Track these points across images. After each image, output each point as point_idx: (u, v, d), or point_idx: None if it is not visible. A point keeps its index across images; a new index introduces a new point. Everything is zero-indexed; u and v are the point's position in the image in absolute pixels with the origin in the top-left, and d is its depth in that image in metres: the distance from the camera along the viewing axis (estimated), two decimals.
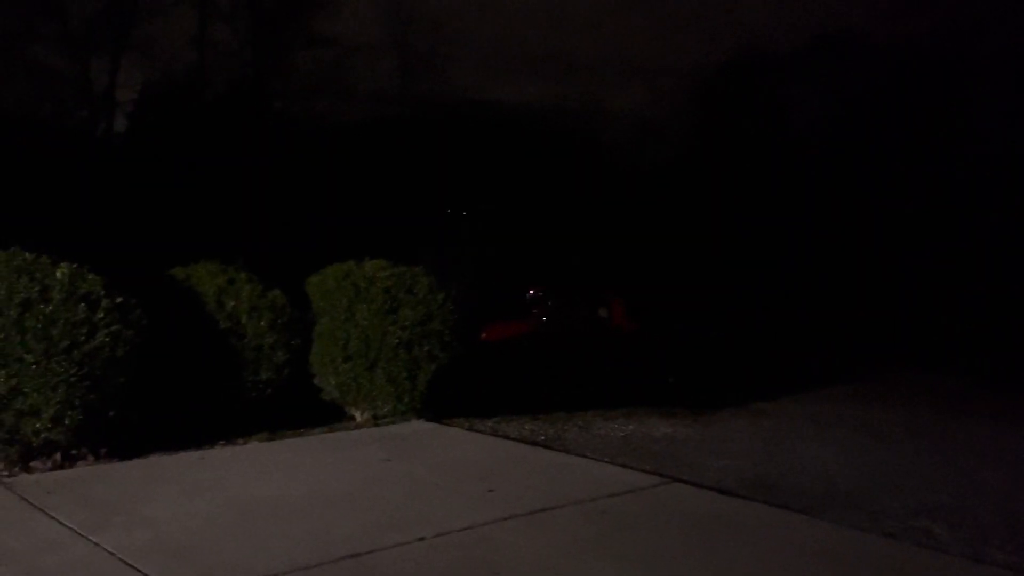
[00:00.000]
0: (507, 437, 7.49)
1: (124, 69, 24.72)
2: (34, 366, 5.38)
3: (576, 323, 18.23)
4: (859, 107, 28.18)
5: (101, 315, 5.71)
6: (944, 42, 27.46)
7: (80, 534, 4.49)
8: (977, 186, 24.82)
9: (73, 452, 5.76)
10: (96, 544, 4.36)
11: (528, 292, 18.81)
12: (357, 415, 7.71)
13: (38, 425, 5.44)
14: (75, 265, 5.91)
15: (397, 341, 7.20)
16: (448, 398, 7.94)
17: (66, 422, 5.53)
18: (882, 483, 6.54)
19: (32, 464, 5.62)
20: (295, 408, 7.50)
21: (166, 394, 6.39)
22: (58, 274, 5.73)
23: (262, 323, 6.83)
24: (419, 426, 7.50)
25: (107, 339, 5.67)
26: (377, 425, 7.51)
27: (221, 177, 14.64)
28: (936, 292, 22.83)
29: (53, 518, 4.73)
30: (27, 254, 5.82)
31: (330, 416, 7.73)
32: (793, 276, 24.91)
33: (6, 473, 5.50)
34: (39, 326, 5.44)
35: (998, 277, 22.47)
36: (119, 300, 5.86)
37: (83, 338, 5.58)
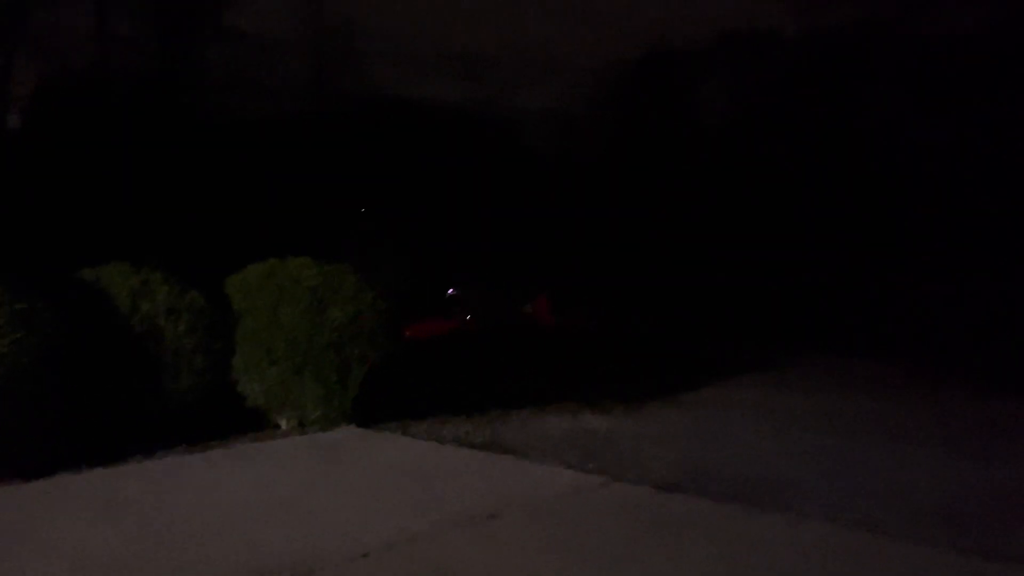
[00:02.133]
0: (443, 440, 7.25)
1: (21, 61, 23.35)
2: None
3: (501, 319, 18.10)
4: (771, 101, 28.84)
5: (2, 322, 5.23)
6: (854, 37, 28.23)
7: None
8: (891, 177, 25.62)
9: None
10: None
11: (451, 289, 18.56)
12: (283, 422, 7.34)
13: None
14: None
15: (326, 342, 6.88)
16: (379, 401, 7.65)
17: None
18: (819, 470, 6.61)
19: None
20: (216, 416, 7.09)
21: (76, 406, 5.91)
22: None
23: (181, 326, 6.41)
24: (350, 432, 7.18)
25: (9, 348, 5.20)
26: (305, 432, 7.16)
27: (126, 174, 13.89)
28: (854, 280, 23.52)
29: None
30: None
31: (254, 423, 7.33)
32: (713, 268, 25.35)
33: None
34: None
35: (917, 264, 23.22)
36: (20, 306, 5.37)
37: None
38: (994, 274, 19.96)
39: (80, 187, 12.81)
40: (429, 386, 9.68)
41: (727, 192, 27.61)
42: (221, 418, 7.08)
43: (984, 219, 21.21)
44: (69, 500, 5.13)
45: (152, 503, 5.13)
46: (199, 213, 13.38)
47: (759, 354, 16.27)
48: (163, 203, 13.07)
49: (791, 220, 26.16)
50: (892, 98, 26.37)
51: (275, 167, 18.85)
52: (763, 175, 27.34)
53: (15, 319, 5.30)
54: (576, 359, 14.37)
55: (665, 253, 26.25)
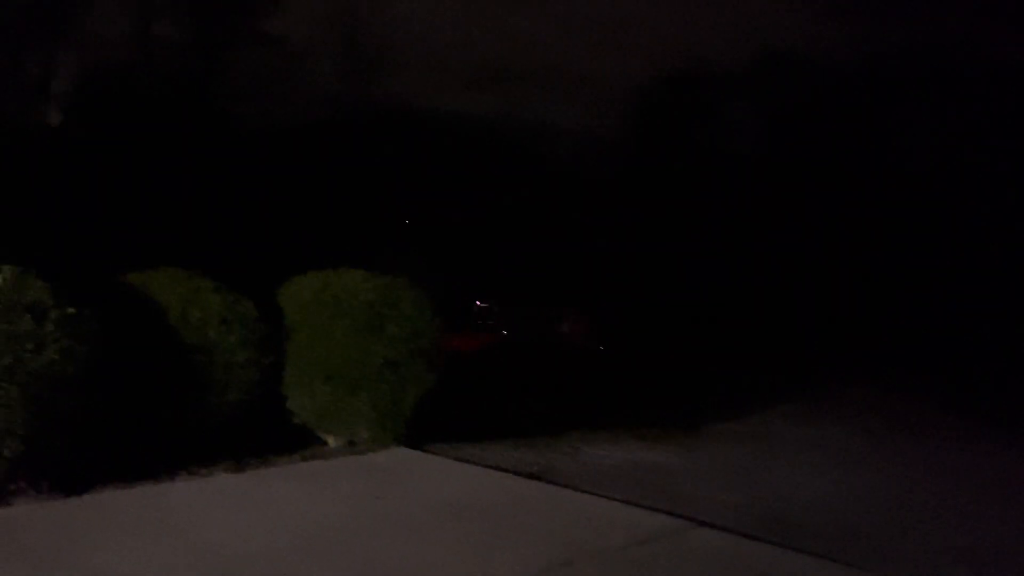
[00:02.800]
0: (496, 467, 6.87)
1: (64, 62, 23.40)
2: None
3: (537, 337, 17.65)
4: (801, 124, 28.45)
5: (50, 328, 4.92)
6: (881, 63, 27.95)
7: None
8: (919, 202, 25.21)
9: (10, 487, 4.93)
10: None
11: (483, 305, 18.14)
12: (330, 440, 6.99)
13: None
14: (19, 268, 5.09)
15: (383, 361, 6.51)
16: (423, 420, 7.29)
17: (5, 453, 4.72)
18: (889, 519, 6.26)
19: None
20: (261, 431, 6.76)
21: (121, 418, 5.59)
22: None
23: (232, 338, 6.08)
24: (401, 454, 6.81)
25: (56, 356, 4.88)
26: (354, 453, 6.80)
27: (171, 176, 13.69)
28: (878, 305, 23.10)
29: None
30: None
31: (299, 441, 6.98)
32: (747, 289, 24.91)
33: None
34: None
35: (939, 292, 22.84)
36: (70, 311, 5.05)
37: (28, 355, 4.78)
38: None
39: (122, 189, 12.61)
40: (469, 403, 9.37)
41: (763, 216, 27.13)
42: (265, 433, 6.76)
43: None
44: (109, 520, 4.80)
45: (200, 526, 4.79)
46: (240, 217, 13.15)
47: (791, 380, 16.07)
48: (205, 207, 12.84)
49: (823, 245, 25.71)
50: (927, 123, 25.87)
51: (312, 174, 18.66)
52: (798, 198, 26.87)
53: (64, 325, 4.98)
54: (614, 382, 14.00)
55: (700, 275, 25.82)
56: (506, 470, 6.73)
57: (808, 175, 27.28)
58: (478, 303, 18.01)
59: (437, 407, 7.61)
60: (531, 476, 6.63)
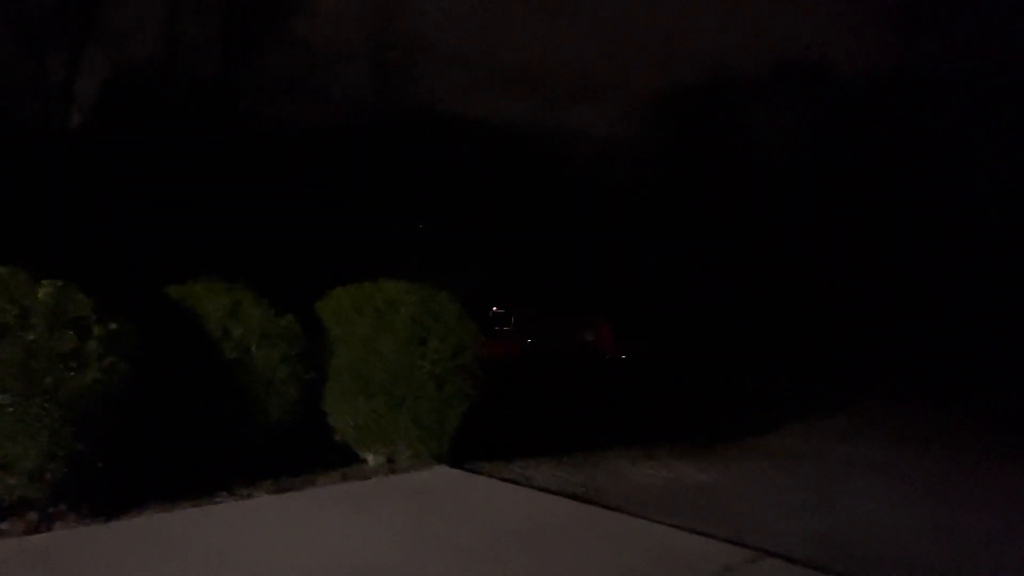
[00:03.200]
0: (541, 488, 6.64)
1: (89, 67, 23.37)
2: (10, 409, 4.37)
3: (561, 346, 17.40)
4: (825, 134, 28.19)
5: (93, 345, 4.72)
6: (907, 78, 27.78)
7: None
8: (946, 210, 24.96)
9: (51, 511, 4.74)
10: None
11: (500, 311, 17.88)
12: (371, 458, 6.78)
13: (12, 481, 4.43)
14: (60, 283, 4.90)
15: (427, 376, 6.29)
16: (462, 436, 7.07)
17: (47, 476, 4.52)
18: (959, 551, 5.98)
19: (1, 527, 4.59)
20: (300, 447, 6.55)
21: (162, 437, 5.40)
22: (40, 294, 4.72)
23: (274, 354, 5.87)
24: (444, 474, 6.59)
25: (100, 375, 4.68)
26: (395, 471, 6.59)
27: (204, 185, 13.52)
28: (905, 315, 22.82)
29: None
30: (2, 268, 4.80)
31: (338, 457, 6.78)
32: (771, 298, 24.60)
33: None
34: (18, 359, 4.43)
35: (967, 304, 22.56)
36: (113, 327, 4.86)
37: (71, 374, 4.59)
38: None
39: (155, 198, 12.44)
40: (499, 415, 9.16)
41: (787, 222, 26.83)
42: (303, 449, 6.56)
43: None
44: (152, 546, 4.59)
45: (244, 552, 4.57)
46: (274, 225, 12.96)
47: (831, 391, 15.82)
48: (239, 215, 12.66)
49: (847, 254, 25.39)
50: (954, 136, 25.56)
51: (341, 180, 18.51)
52: (824, 206, 26.55)
53: (107, 342, 4.79)
54: (644, 392, 13.81)
55: (724, 283, 25.54)
56: (553, 491, 6.50)
57: (834, 183, 26.99)
58: (495, 308, 17.77)
59: (470, 420, 7.43)
60: (577, 498, 6.40)
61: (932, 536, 6.36)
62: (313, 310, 6.67)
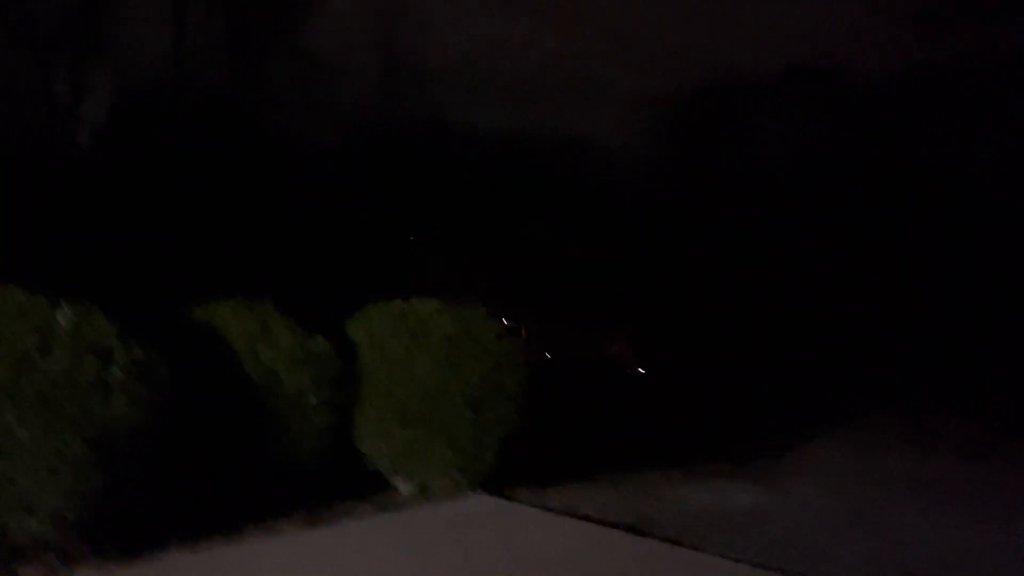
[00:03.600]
0: (588, 518, 6.28)
1: (96, 84, 23.18)
2: (31, 444, 4.02)
3: (580, 360, 17.01)
4: (833, 140, 27.93)
5: (117, 374, 4.38)
6: (918, 81, 27.52)
7: None
8: (951, 220, 24.67)
9: (72, 552, 4.39)
10: None
11: (518, 327, 17.49)
12: (402, 486, 6.42)
13: (32, 523, 4.09)
14: (80, 307, 4.57)
15: (464, 401, 5.94)
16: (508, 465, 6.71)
17: (68, 516, 4.17)
18: None
19: (19, 571, 4.24)
20: (327, 475, 6.20)
21: (185, 469, 5.05)
22: (60, 319, 4.39)
23: (305, 378, 5.53)
24: (482, 503, 6.23)
25: (125, 406, 4.34)
26: (431, 501, 6.23)
27: (218, 199, 13.23)
28: (917, 321, 22.55)
29: None
30: (20, 292, 4.48)
31: (367, 485, 6.43)
32: (783, 306, 24.28)
33: None
34: (39, 390, 4.09)
35: (981, 305, 22.28)
36: (138, 353, 4.53)
37: (94, 405, 4.25)
38: None
39: (170, 214, 12.12)
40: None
41: (802, 230, 26.53)
42: (335, 477, 6.21)
43: None
44: None
45: None
46: (294, 241, 12.63)
47: (859, 400, 15.56)
48: (256, 231, 12.34)
49: (862, 261, 25.04)
50: (962, 136, 25.27)
51: (353, 193, 18.21)
52: (835, 212, 26.24)
53: (132, 370, 4.45)
54: (669, 405, 13.46)
55: (738, 291, 25.22)
56: (600, 521, 6.13)
57: (845, 189, 26.69)
58: (504, 321, 17.36)
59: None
60: (631, 529, 6.03)
61: (996, 558, 5.99)
62: (340, 330, 6.33)
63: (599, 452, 8.73)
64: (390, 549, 5.09)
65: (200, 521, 5.20)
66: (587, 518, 6.26)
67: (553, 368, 16.29)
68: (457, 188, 22.31)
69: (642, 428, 10.88)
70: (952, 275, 22.17)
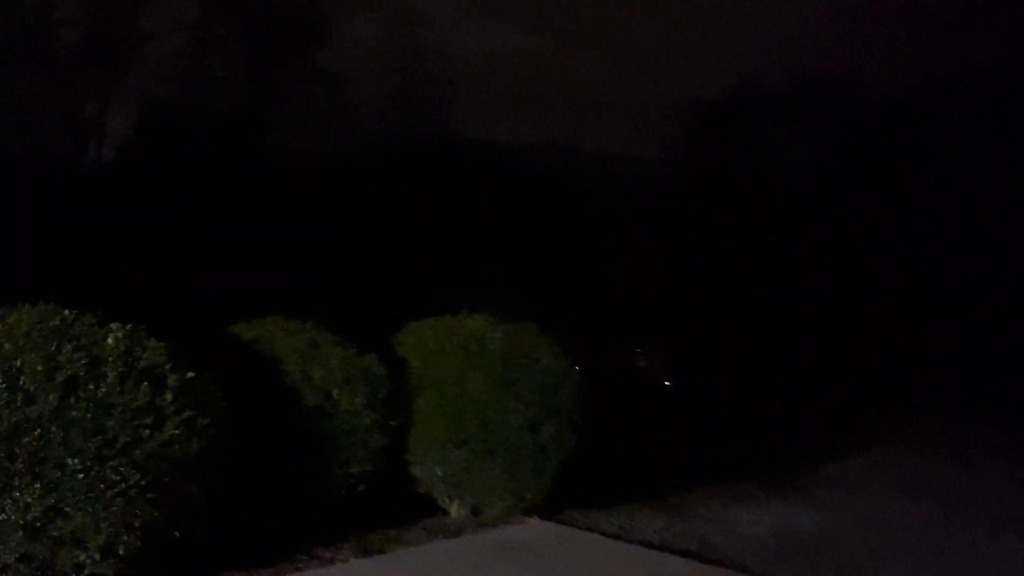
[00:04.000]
0: (647, 543, 6.00)
1: (120, 103, 23.24)
2: (81, 475, 3.79)
3: (612, 375, 16.69)
4: (848, 151, 27.68)
5: (169, 397, 4.14)
6: (932, 91, 27.28)
7: None
8: (964, 228, 24.37)
9: None
10: None
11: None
12: (453, 509, 6.15)
13: (82, 557, 3.84)
14: (129, 327, 4.34)
15: (522, 421, 5.67)
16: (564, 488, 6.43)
17: (120, 551, 3.93)
18: None
19: None
20: (374, 498, 5.93)
21: (234, 495, 4.79)
22: (110, 340, 4.16)
23: (357, 399, 5.28)
24: (538, 528, 5.95)
25: (178, 431, 4.10)
26: (486, 526, 5.95)
27: (250, 214, 13.08)
28: (931, 330, 22.26)
29: None
30: (66, 311, 4.25)
31: (415, 508, 6.16)
32: (808, 314, 23.98)
33: None
34: (88, 416, 3.86)
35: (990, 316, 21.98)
36: (190, 375, 4.29)
37: (147, 431, 4.01)
38: None
39: (202, 230, 11.94)
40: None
41: (822, 241, 26.20)
42: (382, 501, 5.95)
43: None
44: None
45: None
46: (330, 256, 12.43)
47: (867, 406, 15.31)
48: (290, 245, 12.15)
49: (880, 271, 24.69)
50: (976, 146, 24.92)
51: (364, 207, 18.06)
52: (854, 222, 25.89)
53: (184, 393, 4.21)
54: (703, 419, 13.18)
55: (762, 300, 24.93)
56: (663, 548, 5.85)
57: (862, 199, 26.36)
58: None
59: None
60: (694, 555, 5.75)
61: None
62: (384, 347, 6.08)
63: (637, 470, 8.48)
64: None
65: (249, 550, 4.96)
66: (647, 544, 5.99)
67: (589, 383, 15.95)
68: (485, 201, 22.16)
69: (676, 444, 10.62)
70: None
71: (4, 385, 3.84)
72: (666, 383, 16.96)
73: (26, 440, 3.79)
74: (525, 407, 5.72)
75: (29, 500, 3.75)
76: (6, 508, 3.71)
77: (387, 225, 17.02)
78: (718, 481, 8.63)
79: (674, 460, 9.40)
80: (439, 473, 5.71)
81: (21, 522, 3.72)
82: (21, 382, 3.88)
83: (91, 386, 3.96)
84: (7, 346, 3.95)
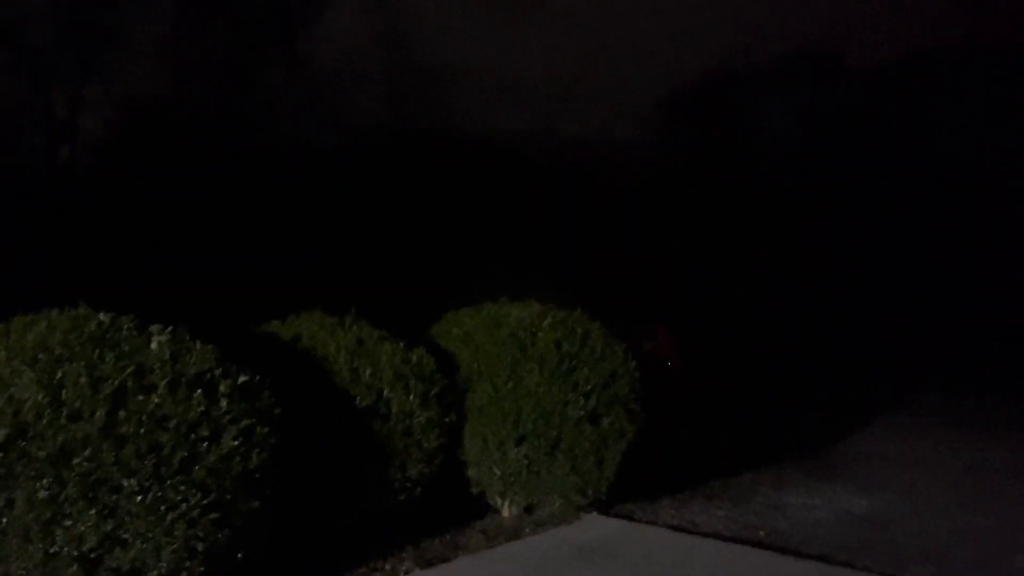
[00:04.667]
0: (716, 535, 5.68)
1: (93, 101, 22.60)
2: (138, 496, 3.39)
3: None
4: (835, 127, 27.54)
5: (225, 404, 3.75)
6: (917, 66, 27.21)
7: None
8: (950, 205, 24.42)
9: None
10: None
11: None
12: (505, 508, 5.81)
13: None
14: (170, 330, 3.95)
15: (582, 414, 5.33)
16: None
17: None
18: None
19: None
20: (429, 499, 5.57)
21: (294, 510, 4.43)
22: (153, 345, 3.76)
23: (412, 396, 4.90)
24: (601, 525, 5.61)
25: (236, 443, 3.71)
26: (544, 524, 5.61)
27: (266, 204, 12.55)
28: (923, 305, 22.30)
29: None
30: (102, 315, 3.85)
31: (463, 507, 5.81)
32: (810, 293, 23.92)
33: None
34: (141, 431, 3.46)
35: (974, 293, 22.07)
36: (244, 379, 3.90)
37: (204, 445, 3.62)
38: None
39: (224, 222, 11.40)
40: None
41: (821, 221, 26.08)
42: (431, 502, 5.59)
43: None
44: None
45: None
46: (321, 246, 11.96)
47: (879, 384, 15.43)
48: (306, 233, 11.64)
49: (879, 250, 24.60)
50: (964, 124, 24.86)
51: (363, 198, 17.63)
52: (851, 203, 25.77)
53: (240, 400, 3.82)
54: (721, 404, 12.95)
55: (761, 280, 24.83)
56: (734, 539, 5.53)
57: (864, 176, 26.26)
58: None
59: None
60: (767, 546, 5.44)
61: None
62: (430, 340, 5.71)
63: (671, 455, 8.20)
64: None
65: (304, 566, 4.60)
66: (720, 536, 5.67)
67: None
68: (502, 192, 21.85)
69: (696, 425, 10.40)
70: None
71: (46, 400, 3.44)
72: (684, 363, 16.72)
73: (76, 461, 3.39)
74: (584, 398, 5.37)
75: (83, 529, 3.36)
76: (58, 539, 3.32)
77: (388, 216, 16.59)
78: (757, 465, 8.43)
79: (705, 444, 9.16)
80: (497, 472, 5.35)
81: (75, 554, 3.32)
82: (63, 396, 3.48)
83: (140, 397, 3.56)
84: (42, 357, 3.54)
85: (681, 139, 30.38)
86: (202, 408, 3.68)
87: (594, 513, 5.81)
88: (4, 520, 3.39)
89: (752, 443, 9.75)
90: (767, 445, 9.56)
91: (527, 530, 5.57)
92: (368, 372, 4.83)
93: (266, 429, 3.88)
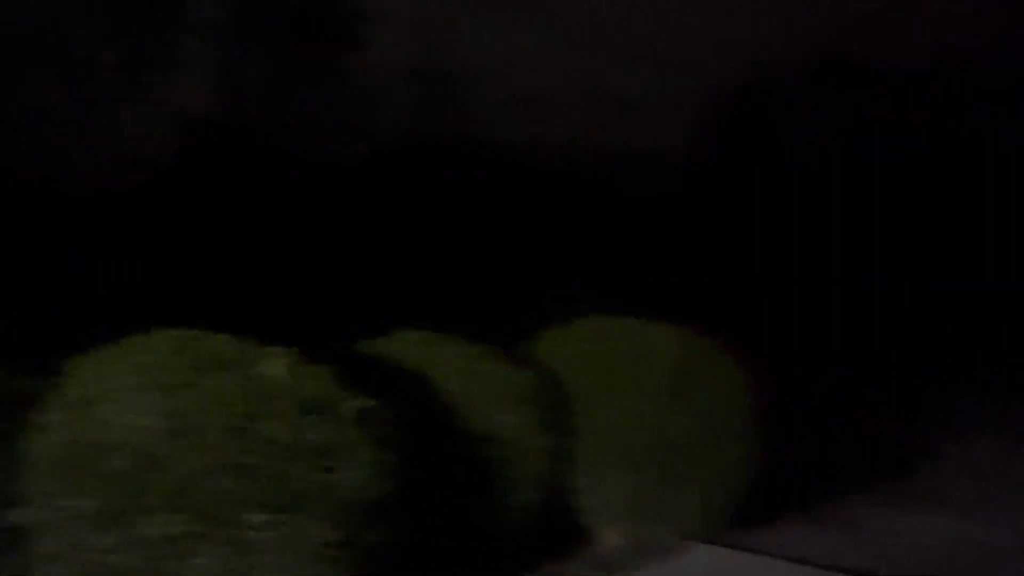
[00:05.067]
0: (841, 569, 5.31)
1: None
2: (272, 533, 3.12)
3: None
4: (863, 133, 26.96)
5: (341, 431, 3.48)
6: (945, 70, 26.58)
7: None
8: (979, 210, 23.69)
9: None
10: None
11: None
12: (609, 536, 5.48)
13: None
14: (285, 351, 3.69)
15: (702, 437, 5.00)
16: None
17: None
18: None
19: None
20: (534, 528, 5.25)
21: (411, 543, 4.13)
22: (277, 369, 3.50)
23: (524, 419, 4.61)
24: (714, 556, 5.29)
25: (362, 473, 3.43)
26: (647, 553, 5.28)
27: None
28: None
29: None
30: (221, 336, 3.60)
31: (568, 534, 5.49)
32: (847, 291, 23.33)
33: None
34: (271, 461, 3.19)
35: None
36: (365, 403, 3.63)
37: (331, 475, 3.34)
38: None
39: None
40: None
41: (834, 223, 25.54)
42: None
43: None
44: None
45: None
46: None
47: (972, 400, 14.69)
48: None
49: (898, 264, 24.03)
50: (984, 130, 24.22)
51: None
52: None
53: (364, 426, 3.54)
54: (803, 418, 12.48)
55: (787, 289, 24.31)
56: (857, 572, 5.17)
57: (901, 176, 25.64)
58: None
59: None
60: None
61: None
62: (535, 358, 5.40)
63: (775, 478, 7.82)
64: None
65: None
66: (839, 568, 5.30)
67: None
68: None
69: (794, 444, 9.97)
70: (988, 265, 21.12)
71: (167, 429, 3.19)
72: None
73: (199, 495, 3.13)
74: (704, 422, 5.03)
75: (207, 563, 3.09)
76: None
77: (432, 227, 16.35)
78: (854, 484, 7.93)
79: (787, 463, 8.74)
80: (610, 500, 5.02)
81: None
82: (185, 423, 3.23)
83: (266, 424, 3.29)
84: (165, 381, 3.29)
85: (719, 147, 29.96)
86: (325, 435, 3.41)
87: (695, 541, 5.47)
88: (121, 557, 3.13)
89: (844, 459, 9.25)
90: (859, 461, 9.08)
91: (634, 561, 5.26)
92: (482, 395, 4.55)
93: (392, 456, 3.59)
